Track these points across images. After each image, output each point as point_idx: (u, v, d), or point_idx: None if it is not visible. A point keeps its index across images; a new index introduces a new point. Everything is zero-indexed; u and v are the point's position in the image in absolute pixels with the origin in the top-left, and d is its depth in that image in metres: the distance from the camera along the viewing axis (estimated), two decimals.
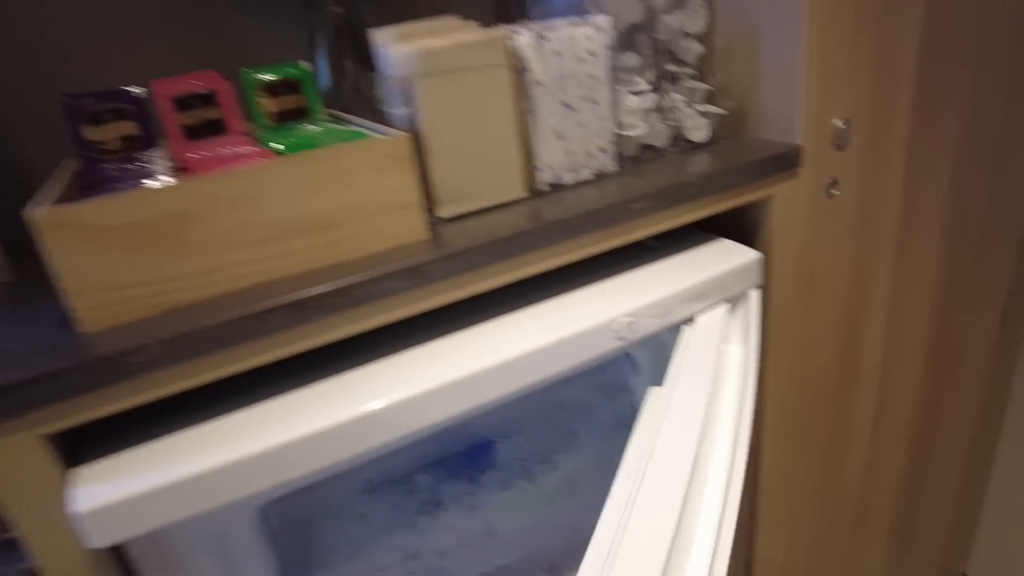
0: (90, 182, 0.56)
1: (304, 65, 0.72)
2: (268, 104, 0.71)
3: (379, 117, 0.73)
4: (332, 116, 0.74)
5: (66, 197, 0.52)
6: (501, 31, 0.59)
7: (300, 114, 0.72)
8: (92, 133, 0.65)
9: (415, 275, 0.52)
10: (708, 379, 0.63)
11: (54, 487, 0.46)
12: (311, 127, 0.70)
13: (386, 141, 0.52)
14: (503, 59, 0.58)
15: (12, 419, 0.43)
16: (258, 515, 0.58)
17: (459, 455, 0.71)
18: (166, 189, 0.46)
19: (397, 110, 0.61)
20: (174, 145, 0.67)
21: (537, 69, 0.60)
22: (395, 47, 0.58)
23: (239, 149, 0.62)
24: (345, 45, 0.92)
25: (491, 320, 0.60)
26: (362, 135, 0.59)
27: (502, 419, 0.68)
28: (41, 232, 0.44)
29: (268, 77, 0.71)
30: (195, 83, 0.68)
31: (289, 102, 0.72)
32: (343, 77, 0.93)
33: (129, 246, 0.46)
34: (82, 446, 0.50)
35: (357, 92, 0.93)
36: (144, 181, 0.52)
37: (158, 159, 0.65)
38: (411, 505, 0.69)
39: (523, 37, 0.59)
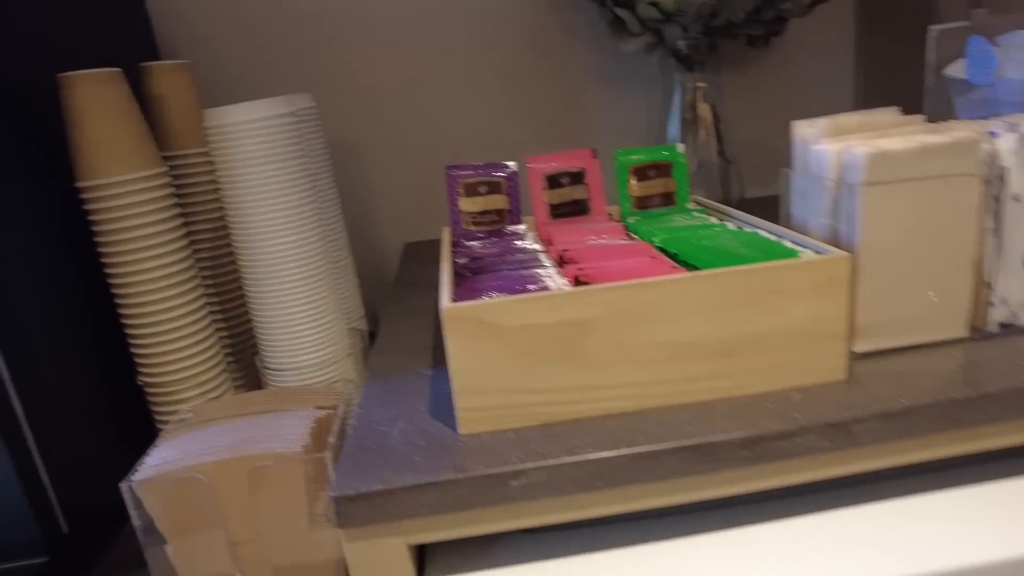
0: (474, 263, 0.54)
1: (679, 148, 0.65)
2: (635, 187, 0.65)
3: (734, 202, 0.62)
4: (697, 204, 0.66)
5: (457, 281, 0.49)
6: (971, 131, 0.46)
7: (666, 200, 0.66)
8: (467, 204, 0.64)
9: (839, 435, 0.41)
10: None
11: None
12: (679, 217, 0.63)
13: (825, 261, 0.42)
14: (974, 166, 0.45)
15: (385, 523, 0.40)
16: None
17: None
18: (573, 294, 0.41)
19: (810, 213, 0.51)
20: (539, 222, 0.65)
21: (1016, 180, 0.46)
22: (828, 145, 0.48)
23: (617, 240, 0.56)
24: (701, 121, 0.85)
25: (916, 496, 0.46)
26: (766, 243, 0.50)
27: None
28: (445, 325, 0.41)
29: (639, 158, 0.65)
30: (568, 161, 0.65)
31: (656, 186, 0.66)
32: (694, 154, 0.86)
33: (525, 350, 0.42)
34: (427, 554, 0.46)
35: (703, 170, 0.86)
36: (536, 272, 0.48)
37: (525, 235, 0.62)
38: None
39: (1003, 140, 0.46)
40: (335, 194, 0.76)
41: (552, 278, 0.47)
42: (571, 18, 0.93)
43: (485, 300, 0.41)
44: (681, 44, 0.83)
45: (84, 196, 0.59)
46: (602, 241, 0.56)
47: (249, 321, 0.75)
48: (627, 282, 0.41)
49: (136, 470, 0.48)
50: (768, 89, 0.99)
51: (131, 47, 0.78)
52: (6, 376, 0.51)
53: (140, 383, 0.65)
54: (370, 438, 0.44)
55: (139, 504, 0.47)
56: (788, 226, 0.53)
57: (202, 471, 0.47)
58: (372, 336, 0.74)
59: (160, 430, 0.66)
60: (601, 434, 0.42)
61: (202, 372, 0.65)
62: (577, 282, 0.45)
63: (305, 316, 0.65)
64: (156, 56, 0.84)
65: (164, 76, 0.69)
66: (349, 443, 0.44)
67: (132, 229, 0.60)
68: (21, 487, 0.52)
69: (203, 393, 0.65)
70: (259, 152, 0.60)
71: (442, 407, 0.47)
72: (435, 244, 0.93)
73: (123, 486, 0.47)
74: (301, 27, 0.90)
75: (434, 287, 0.75)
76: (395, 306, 0.70)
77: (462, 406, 0.43)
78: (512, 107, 0.96)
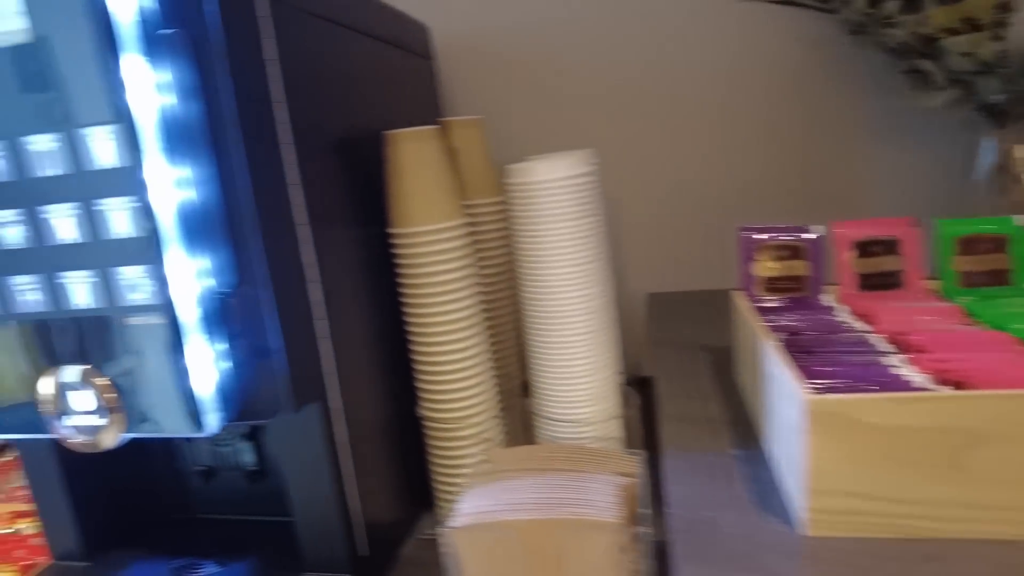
0: (793, 338, 0.50)
1: (1017, 221, 0.58)
2: (960, 262, 0.58)
3: None
4: None
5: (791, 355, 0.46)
6: None
7: (997, 278, 0.58)
8: (763, 268, 0.61)
9: None
10: None
11: None
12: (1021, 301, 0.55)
13: None
14: None
15: None
16: None
17: None
18: (962, 400, 0.37)
19: None
20: (845, 293, 0.60)
21: None
22: None
23: (961, 325, 0.50)
24: (1014, 183, 0.75)
25: None
26: None
27: None
28: (808, 420, 0.38)
29: (968, 229, 0.58)
30: (880, 228, 0.60)
31: (987, 262, 0.58)
32: None
33: (895, 455, 0.38)
34: None
35: None
36: (878, 360, 0.44)
37: (837, 309, 0.58)
38: None
39: None
40: (609, 248, 0.76)
41: (906, 369, 0.42)
42: (842, 67, 0.87)
43: (856, 395, 0.38)
44: (998, 97, 0.74)
45: (396, 241, 0.64)
46: (942, 325, 0.50)
47: (514, 364, 0.77)
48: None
49: (453, 515, 0.49)
50: None
51: (422, 100, 0.85)
52: (339, 406, 0.56)
53: (419, 415, 0.69)
54: (699, 525, 0.42)
55: (452, 547, 0.49)
56: None
57: (516, 527, 0.47)
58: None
59: (432, 462, 0.69)
60: (985, 563, 0.36)
61: (479, 413, 0.67)
62: (949, 381, 0.40)
63: (586, 370, 0.65)
64: (439, 107, 0.90)
65: (461, 131, 0.74)
66: (677, 526, 0.42)
67: (436, 274, 0.63)
68: (339, 510, 0.56)
69: (477, 432, 0.67)
70: (559, 210, 0.62)
71: (769, 499, 0.44)
72: (685, 297, 0.90)
73: (441, 530, 0.49)
74: (564, 83, 0.92)
75: (702, 348, 0.72)
76: (664, 368, 0.68)
77: (814, 506, 0.39)
78: (772, 162, 0.92)
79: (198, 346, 0.49)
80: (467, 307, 0.65)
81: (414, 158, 0.63)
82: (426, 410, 0.68)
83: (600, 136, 0.93)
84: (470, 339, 0.65)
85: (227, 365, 0.50)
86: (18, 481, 0.81)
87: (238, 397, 0.50)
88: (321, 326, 0.55)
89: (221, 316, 0.49)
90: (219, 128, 0.47)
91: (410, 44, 0.80)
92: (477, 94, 0.94)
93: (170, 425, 0.50)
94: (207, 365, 0.49)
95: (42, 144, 0.47)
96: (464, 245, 0.65)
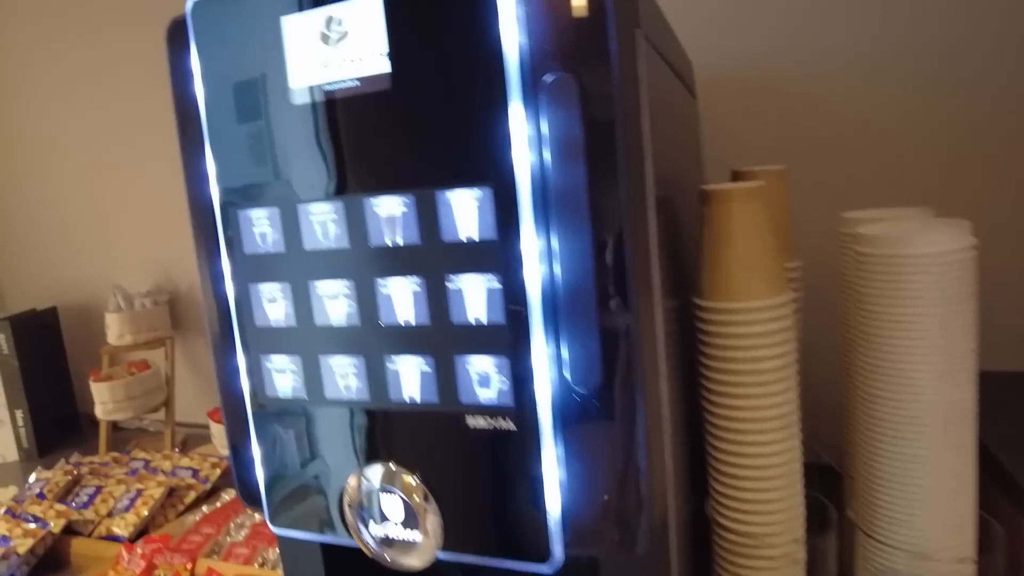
0: None
1: None
2: None
3: None
4: None
5: None
6: None
7: None
8: None
9: None
10: None
11: None
12: None
13: None
14: None
15: None
16: None
17: None
18: None
19: None
20: None
21: None
22: None
23: None
24: None
25: None
26: None
27: None
28: None
29: None
30: None
31: None
32: None
33: None
34: None
35: None
36: None
37: None
38: None
39: None
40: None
41: None
42: None
43: None
44: None
45: (708, 316, 0.53)
46: None
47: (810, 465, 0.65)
48: None
49: None
50: None
51: (692, 146, 0.75)
52: (674, 526, 0.46)
53: (710, 516, 0.58)
54: None
55: None
56: None
57: None
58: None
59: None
60: None
61: (785, 531, 0.55)
62: None
63: (945, 493, 0.52)
64: (701, 154, 0.80)
65: (768, 183, 0.63)
66: None
67: (757, 360, 0.52)
68: None
69: (784, 553, 0.55)
70: (939, 292, 0.49)
71: None
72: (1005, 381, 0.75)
73: None
74: (842, 126, 0.80)
75: None
76: None
77: None
78: None
79: (548, 458, 0.39)
80: (787, 402, 0.54)
81: (743, 219, 0.52)
82: (723, 518, 0.56)
83: (887, 190, 0.80)
84: (787, 441, 0.54)
85: (579, 483, 0.40)
86: (237, 534, 0.76)
87: (586, 523, 0.41)
88: (667, 430, 0.44)
89: (577, 421, 0.39)
90: (602, 191, 0.38)
91: (689, 83, 0.70)
92: (728, 138, 0.84)
93: (505, 552, 0.41)
94: (556, 482, 0.40)
95: (389, 207, 0.39)
96: (790, 327, 0.54)
